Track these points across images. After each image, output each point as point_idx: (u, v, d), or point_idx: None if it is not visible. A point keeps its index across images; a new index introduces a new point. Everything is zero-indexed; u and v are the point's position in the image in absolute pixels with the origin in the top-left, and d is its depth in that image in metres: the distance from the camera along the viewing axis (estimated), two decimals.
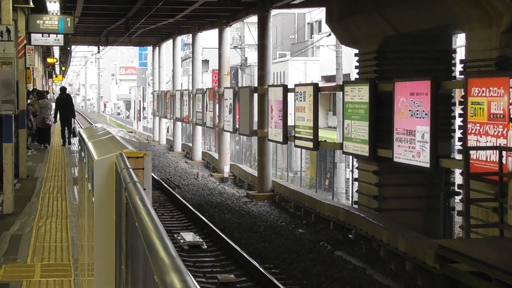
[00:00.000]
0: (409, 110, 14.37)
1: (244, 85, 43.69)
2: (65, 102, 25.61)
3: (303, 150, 24.85)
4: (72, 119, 25.59)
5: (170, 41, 40.56)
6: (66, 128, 25.30)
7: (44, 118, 24.64)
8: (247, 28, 44.51)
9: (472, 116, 12.31)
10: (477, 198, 12.07)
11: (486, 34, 12.78)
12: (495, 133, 11.73)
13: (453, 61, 16.81)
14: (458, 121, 14.34)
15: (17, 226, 10.90)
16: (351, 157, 20.77)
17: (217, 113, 28.83)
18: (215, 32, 31.37)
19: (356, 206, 18.08)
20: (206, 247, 14.84)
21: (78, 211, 8.45)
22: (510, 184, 10.73)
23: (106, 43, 41.51)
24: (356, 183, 18.73)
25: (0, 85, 11.97)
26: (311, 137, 18.96)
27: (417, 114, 14.10)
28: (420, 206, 16.33)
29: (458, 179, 16.24)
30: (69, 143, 25.39)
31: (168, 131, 49.56)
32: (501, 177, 11.15)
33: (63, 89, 26.73)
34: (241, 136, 32.05)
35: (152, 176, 17.68)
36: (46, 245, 9.50)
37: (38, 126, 24.98)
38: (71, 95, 30.55)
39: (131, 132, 53.82)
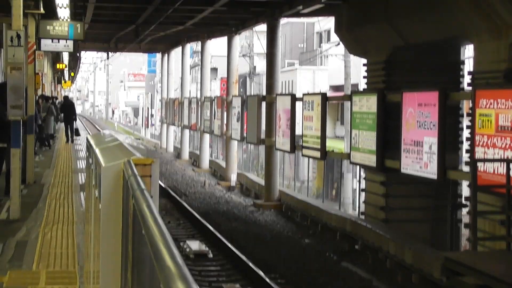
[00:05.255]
0: (417, 121, 14.35)
1: (252, 94, 43.67)
2: (68, 107, 31.59)
3: (311, 159, 24.83)
4: (74, 121, 31.19)
5: (179, 48, 40.60)
6: (69, 127, 30.98)
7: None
8: (256, 37, 44.50)
9: (480, 128, 12.28)
10: (484, 211, 12.03)
11: (495, 46, 12.77)
12: (503, 145, 11.70)
13: (461, 73, 16.78)
14: (465, 133, 14.31)
15: (23, 232, 10.90)
16: (358, 167, 20.73)
17: (225, 121, 28.82)
18: (224, 40, 31.39)
19: (363, 216, 18.04)
20: (212, 256, 14.82)
21: (85, 217, 8.44)
22: None
23: (116, 49, 41.59)
24: (363, 194, 18.69)
25: (9, 90, 11.99)
26: (319, 146, 18.94)
27: (425, 125, 14.08)
28: (427, 217, 16.28)
29: (465, 191, 16.20)
30: (72, 141, 30.54)
31: (175, 139, 49.57)
32: (509, 190, 11.11)
33: (66, 97, 33.89)
34: (249, 144, 32.04)
35: (159, 184, 17.69)
36: (52, 252, 9.49)
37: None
38: (73, 101, 38.01)
39: (139, 139, 53.91)
